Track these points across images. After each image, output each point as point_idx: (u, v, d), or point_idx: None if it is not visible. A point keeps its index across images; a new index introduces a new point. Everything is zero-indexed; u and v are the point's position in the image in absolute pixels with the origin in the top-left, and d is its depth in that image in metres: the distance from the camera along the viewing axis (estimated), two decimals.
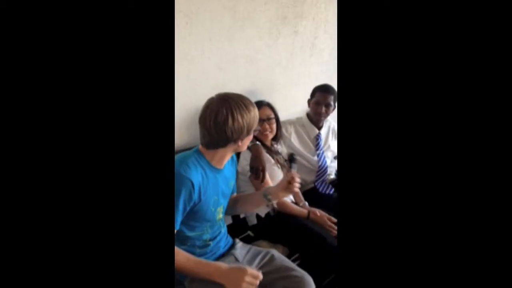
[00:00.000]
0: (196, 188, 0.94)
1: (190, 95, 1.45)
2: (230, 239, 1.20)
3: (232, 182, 1.17)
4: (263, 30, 1.68)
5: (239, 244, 1.19)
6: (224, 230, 1.17)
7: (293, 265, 1.11)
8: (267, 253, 1.14)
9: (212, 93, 1.53)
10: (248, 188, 1.46)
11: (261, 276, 0.92)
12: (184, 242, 1.02)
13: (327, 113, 1.70)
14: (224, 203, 1.11)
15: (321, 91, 1.70)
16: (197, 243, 1.05)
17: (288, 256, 1.36)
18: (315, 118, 1.74)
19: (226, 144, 0.99)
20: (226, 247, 1.16)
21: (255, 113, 1.01)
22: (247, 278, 0.89)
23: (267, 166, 1.46)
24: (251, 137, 1.06)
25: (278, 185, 1.09)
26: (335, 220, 1.39)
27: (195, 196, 0.95)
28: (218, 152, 1.02)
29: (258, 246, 1.33)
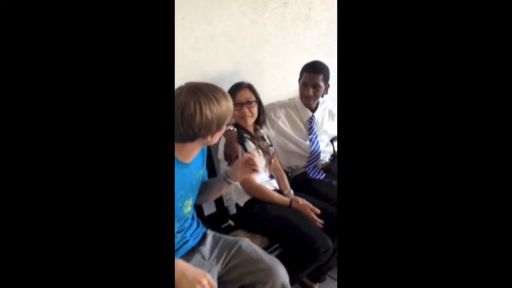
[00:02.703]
0: None
1: None
2: (201, 231, 1.15)
3: (200, 173, 1.11)
4: (246, 5, 1.55)
5: (210, 237, 1.13)
6: (193, 222, 1.13)
7: (262, 256, 1.05)
8: (235, 244, 1.08)
9: (189, 76, 1.44)
10: None
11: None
12: None
13: (315, 95, 1.54)
14: (193, 195, 1.06)
15: (308, 71, 1.53)
16: None
17: (267, 247, 1.30)
18: (304, 101, 1.59)
19: (193, 139, 0.93)
20: (196, 239, 1.11)
21: (227, 106, 0.93)
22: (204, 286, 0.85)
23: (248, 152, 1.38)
24: (222, 131, 0.99)
25: (234, 166, 1.04)
26: (318, 211, 1.30)
27: None
28: (186, 146, 0.96)
29: (237, 236, 1.28)
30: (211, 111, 0.88)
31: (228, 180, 1.06)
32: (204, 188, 1.15)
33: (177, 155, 0.96)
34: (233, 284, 1.04)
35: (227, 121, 0.95)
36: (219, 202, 1.50)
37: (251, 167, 1.00)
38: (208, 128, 0.90)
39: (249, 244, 1.09)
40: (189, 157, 1.00)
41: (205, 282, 0.85)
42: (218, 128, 0.93)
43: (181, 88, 0.92)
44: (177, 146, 0.95)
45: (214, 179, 1.19)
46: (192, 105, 0.87)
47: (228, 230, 1.38)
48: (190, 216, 1.10)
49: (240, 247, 1.07)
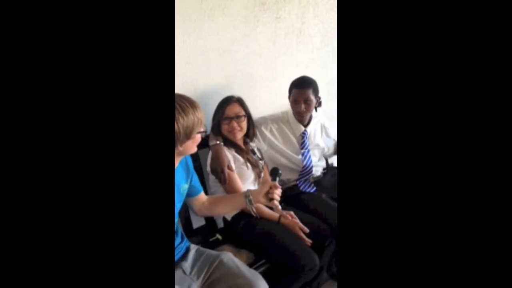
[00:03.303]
0: None
1: None
2: (184, 245, 1.15)
3: (185, 186, 1.11)
4: (238, 19, 1.56)
5: (192, 251, 1.13)
6: (176, 236, 1.12)
7: (243, 271, 1.04)
8: (216, 258, 1.08)
9: (180, 89, 1.46)
10: (217, 189, 1.40)
11: None
12: None
13: (307, 110, 1.53)
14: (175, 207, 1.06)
15: (296, 87, 1.53)
16: None
17: (253, 263, 1.29)
18: (297, 117, 1.58)
19: None
20: (179, 254, 1.10)
21: (196, 116, 0.94)
22: None
23: (236, 166, 1.38)
24: (195, 140, 0.99)
25: (260, 189, 1.07)
26: (306, 230, 1.29)
27: None
28: None
29: (223, 250, 1.27)
30: (177, 122, 0.89)
31: (250, 198, 1.07)
32: (220, 202, 1.18)
33: None
34: None
35: (196, 130, 0.96)
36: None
37: (273, 195, 1.03)
38: (176, 137, 0.91)
39: (230, 258, 1.09)
40: None
41: None
42: (187, 137, 0.94)
43: None
44: None
45: (232, 196, 1.21)
46: None
47: (215, 244, 1.37)
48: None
49: (221, 261, 1.06)
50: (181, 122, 0.90)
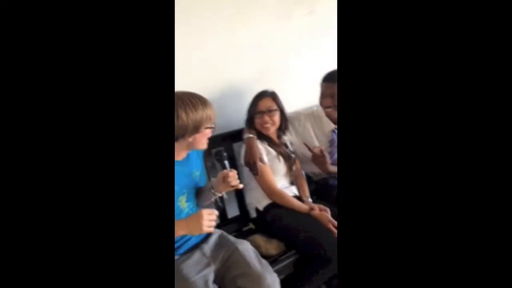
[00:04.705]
0: None
1: (189, 88, 1.46)
2: None
3: (197, 173, 1.19)
4: (271, 13, 1.58)
5: (215, 236, 1.19)
6: None
7: (253, 261, 1.09)
8: (233, 245, 1.14)
9: (213, 85, 1.53)
10: (251, 181, 1.45)
11: (216, 212, 0.98)
12: None
13: (335, 105, 1.44)
14: (187, 192, 1.14)
15: (325, 80, 1.46)
16: None
17: (284, 252, 1.33)
18: (324, 112, 1.52)
19: (175, 139, 1.05)
20: (200, 237, 1.17)
21: (204, 112, 1.05)
22: (205, 217, 0.95)
23: (268, 159, 1.42)
24: (204, 134, 1.08)
25: (217, 179, 1.14)
26: (335, 223, 1.30)
27: None
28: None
29: (254, 240, 1.33)
30: (187, 114, 1.01)
31: (213, 191, 1.14)
32: (197, 193, 1.23)
33: None
34: (230, 285, 1.09)
35: (204, 125, 1.05)
36: (242, 205, 1.56)
37: (229, 183, 1.08)
38: (185, 129, 1.02)
39: (246, 247, 1.14)
40: (178, 155, 1.12)
41: (204, 211, 0.96)
42: (196, 130, 1.04)
43: None
44: None
45: (204, 187, 1.25)
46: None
47: (248, 233, 1.43)
48: (192, 213, 1.16)
49: (236, 248, 1.12)
50: (190, 117, 1.02)
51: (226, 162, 1.14)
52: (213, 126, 1.09)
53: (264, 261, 1.12)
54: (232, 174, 1.09)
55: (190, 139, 1.06)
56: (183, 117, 1.01)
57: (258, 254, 1.14)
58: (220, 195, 1.15)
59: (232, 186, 1.10)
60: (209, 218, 0.97)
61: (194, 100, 1.04)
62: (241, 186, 1.11)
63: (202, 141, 1.09)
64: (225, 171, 1.11)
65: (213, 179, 1.18)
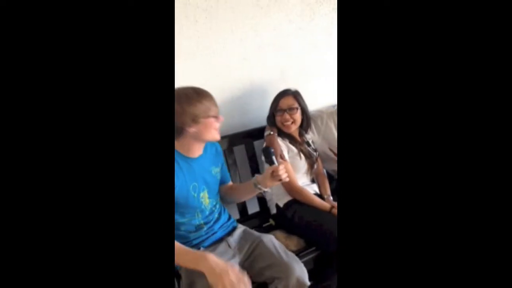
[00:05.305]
0: None
1: (212, 88, 1.50)
2: (232, 224, 1.26)
3: (216, 170, 1.22)
4: (294, 13, 1.60)
5: (239, 230, 1.23)
6: (221, 214, 1.23)
7: (280, 252, 1.11)
8: (258, 238, 1.17)
9: (236, 85, 1.58)
10: None
11: (245, 279, 0.93)
12: (178, 227, 1.12)
13: None
14: (208, 188, 1.17)
15: None
16: (189, 228, 1.14)
17: (303, 249, 1.35)
18: None
19: (179, 133, 1.07)
20: (225, 231, 1.21)
21: (200, 103, 1.05)
22: (230, 277, 0.89)
23: (289, 156, 1.44)
24: (207, 125, 1.08)
25: (264, 174, 1.14)
26: None
27: None
28: (181, 141, 1.10)
29: (274, 236, 1.35)
30: (182, 107, 1.03)
31: (259, 186, 1.15)
32: (236, 189, 1.26)
33: (180, 150, 1.11)
34: (255, 277, 1.11)
35: (202, 117, 1.05)
36: (262, 201, 1.59)
37: (278, 177, 1.09)
38: (182, 121, 1.04)
39: (271, 240, 1.16)
40: (192, 152, 1.13)
41: (234, 271, 0.92)
42: (194, 121, 1.05)
43: None
44: (177, 143, 1.11)
45: (244, 183, 1.27)
46: None
47: (268, 229, 1.45)
48: (216, 210, 1.21)
49: (261, 241, 1.15)
50: (186, 109, 1.03)
51: (274, 158, 1.16)
52: (215, 116, 1.09)
53: (290, 253, 1.14)
54: (282, 168, 1.11)
55: (194, 130, 1.06)
56: (178, 109, 1.03)
57: (283, 246, 1.16)
58: (266, 190, 1.17)
59: (280, 180, 1.11)
60: (233, 279, 0.90)
61: (191, 93, 1.05)
62: (287, 179, 1.13)
63: (207, 131, 1.09)
64: (274, 165, 1.12)
65: (257, 174, 1.19)
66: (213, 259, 0.94)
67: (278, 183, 1.13)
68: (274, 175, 1.10)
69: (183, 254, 0.97)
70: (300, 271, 1.07)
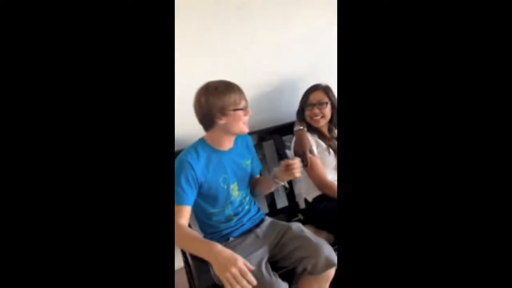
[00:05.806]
0: (196, 168, 1.08)
1: (242, 84, 1.53)
2: (260, 216, 1.28)
3: (246, 163, 1.24)
4: (326, 8, 1.58)
5: (267, 221, 1.25)
6: (251, 207, 1.26)
7: (308, 236, 1.14)
8: (286, 226, 1.20)
9: (266, 80, 1.59)
10: (301, 173, 1.47)
11: (249, 276, 0.89)
12: (209, 217, 1.17)
13: None
14: (238, 181, 1.20)
15: None
16: (220, 218, 1.18)
17: (333, 244, 1.34)
18: None
19: (208, 125, 1.11)
20: (254, 223, 1.24)
21: (228, 95, 1.07)
22: (233, 269, 0.87)
23: (318, 151, 1.43)
24: (236, 117, 1.09)
25: (279, 169, 1.16)
26: None
27: (197, 175, 1.08)
28: (212, 134, 1.14)
29: None
30: (207, 99, 1.06)
31: (276, 180, 1.17)
32: (258, 183, 1.29)
33: (210, 143, 1.15)
34: (284, 261, 1.14)
35: (230, 109, 1.07)
36: (291, 196, 1.60)
37: (292, 171, 1.11)
38: (209, 113, 1.07)
39: (298, 226, 1.19)
40: (222, 145, 1.16)
41: (239, 264, 0.89)
42: (222, 113, 1.07)
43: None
44: (208, 136, 1.15)
45: (265, 177, 1.30)
46: (196, 97, 1.09)
47: None
48: (245, 202, 1.24)
49: (289, 228, 1.18)
50: (210, 101, 1.06)
51: (288, 151, 1.18)
52: (243, 109, 1.10)
53: (318, 237, 1.16)
54: (296, 162, 1.12)
55: (223, 122, 1.08)
56: (202, 101, 1.06)
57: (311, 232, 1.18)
58: (283, 184, 1.19)
59: (294, 174, 1.13)
60: (236, 272, 0.87)
61: (218, 86, 1.07)
62: (298, 175, 1.14)
63: (236, 123, 1.10)
64: (289, 160, 1.14)
65: (275, 168, 1.20)
66: (220, 249, 0.92)
67: (293, 177, 1.14)
68: (288, 169, 1.12)
69: (193, 242, 0.98)
70: (329, 251, 1.10)
